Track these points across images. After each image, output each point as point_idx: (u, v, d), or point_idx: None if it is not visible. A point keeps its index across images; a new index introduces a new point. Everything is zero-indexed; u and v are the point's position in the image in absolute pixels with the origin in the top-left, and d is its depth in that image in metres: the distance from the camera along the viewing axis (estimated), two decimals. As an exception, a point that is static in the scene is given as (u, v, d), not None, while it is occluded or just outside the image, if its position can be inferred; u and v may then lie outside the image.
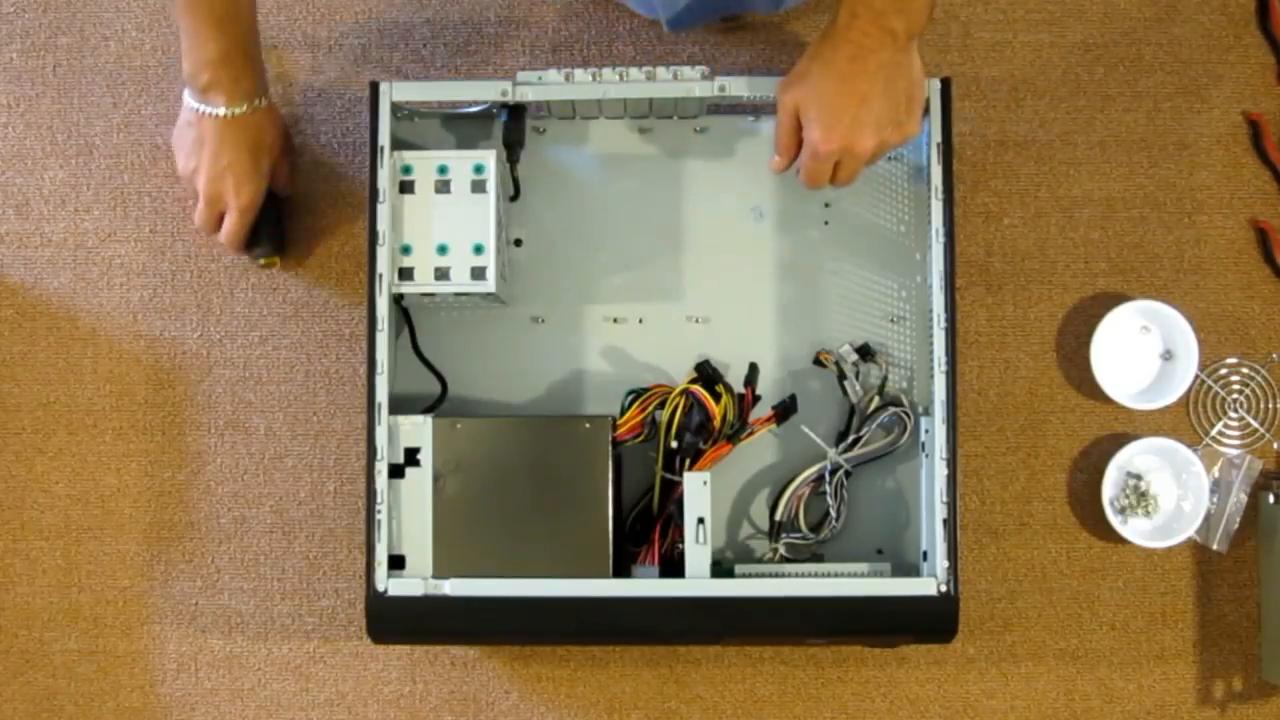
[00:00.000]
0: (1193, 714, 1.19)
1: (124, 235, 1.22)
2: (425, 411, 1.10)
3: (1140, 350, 1.20)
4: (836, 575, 1.09)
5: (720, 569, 1.11)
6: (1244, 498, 1.18)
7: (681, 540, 1.06)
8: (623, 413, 1.09)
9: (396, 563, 1.06)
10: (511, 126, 1.12)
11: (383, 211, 1.07)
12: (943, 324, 1.07)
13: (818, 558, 1.13)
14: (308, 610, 1.19)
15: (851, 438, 1.12)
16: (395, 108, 1.09)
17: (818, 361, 1.14)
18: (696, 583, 1.05)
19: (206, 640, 1.19)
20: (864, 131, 1.01)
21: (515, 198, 1.15)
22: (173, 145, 1.16)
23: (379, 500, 1.06)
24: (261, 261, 1.19)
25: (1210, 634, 1.19)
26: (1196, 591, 1.19)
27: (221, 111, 1.10)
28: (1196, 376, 1.19)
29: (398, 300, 1.09)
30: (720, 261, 1.15)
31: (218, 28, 1.07)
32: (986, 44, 1.22)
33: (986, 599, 1.19)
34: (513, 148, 1.12)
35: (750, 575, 1.08)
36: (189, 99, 1.12)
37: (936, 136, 1.08)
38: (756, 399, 1.12)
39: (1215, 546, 1.18)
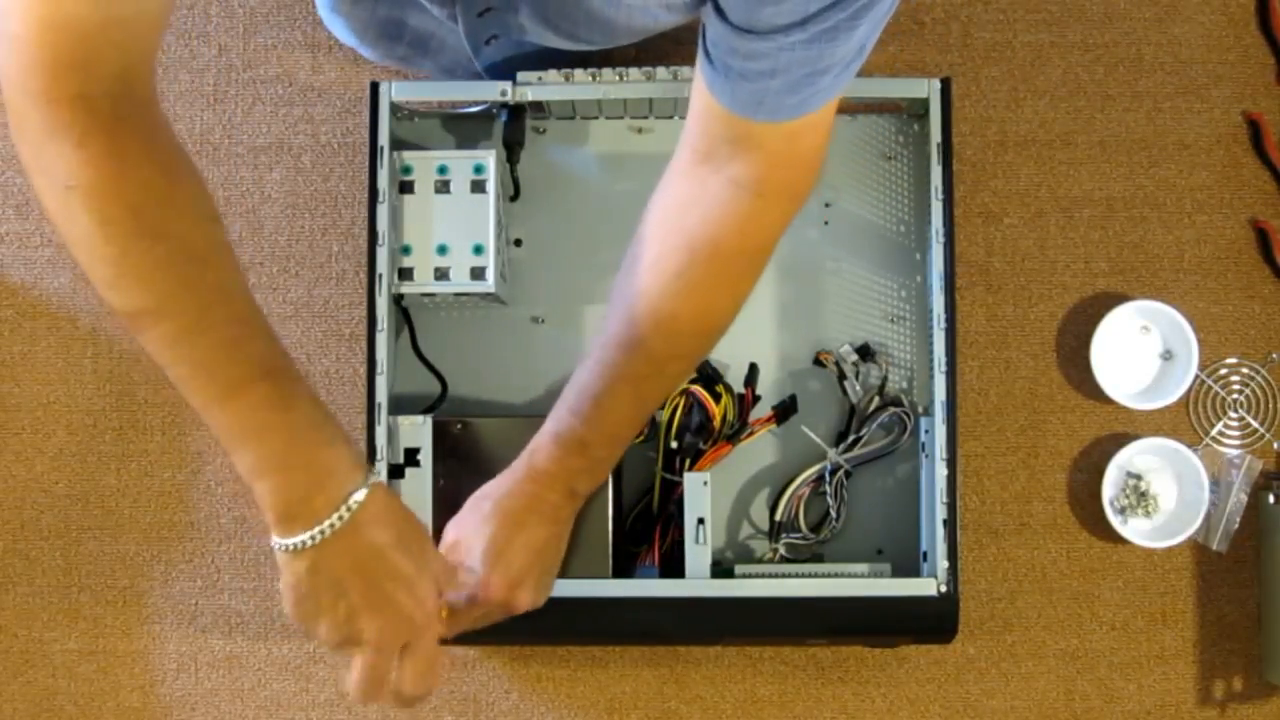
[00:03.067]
0: (1193, 714, 1.19)
1: (124, 235, 1.21)
2: (425, 411, 1.10)
3: (1140, 350, 1.20)
4: (836, 575, 1.09)
5: (720, 569, 1.11)
6: (1244, 498, 1.18)
7: (681, 540, 1.06)
8: (623, 413, 1.09)
9: (396, 563, 1.06)
10: (511, 126, 1.12)
11: (383, 211, 1.07)
12: (943, 324, 1.07)
13: (818, 558, 1.13)
14: (308, 610, 1.19)
15: (851, 438, 1.12)
16: (395, 108, 1.09)
17: (818, 361, 1.14)
18: (696, 583, 1.05)
19: (206, 640, 1.19)
20: (527, 587, 0.94)
21: (515, 198, 1.15)
22: (296, 618, 0.82)
23: (379, 500, 1.06)
24: None
25: (1210, 634, 1.19)
26: (1196, 591, 1.19)
27: (360, 495, 0.78)
28: (1196, 376, 1.19)
29: (398, 300, 1.09)
30: (720, 261, 1.15)
31: (276, 384, 0.76)
32: (986, 44, 1.22)
33: (986, 599, 1.19)
34: (513, 148, 1.12)
35: (750, 575, 1.08)
36: (286, 538, 0.78)
37: (936, 136, 1.08)
38: (756, 399, 1.12)
39: (1215, 546, 1.18)
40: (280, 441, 0.76)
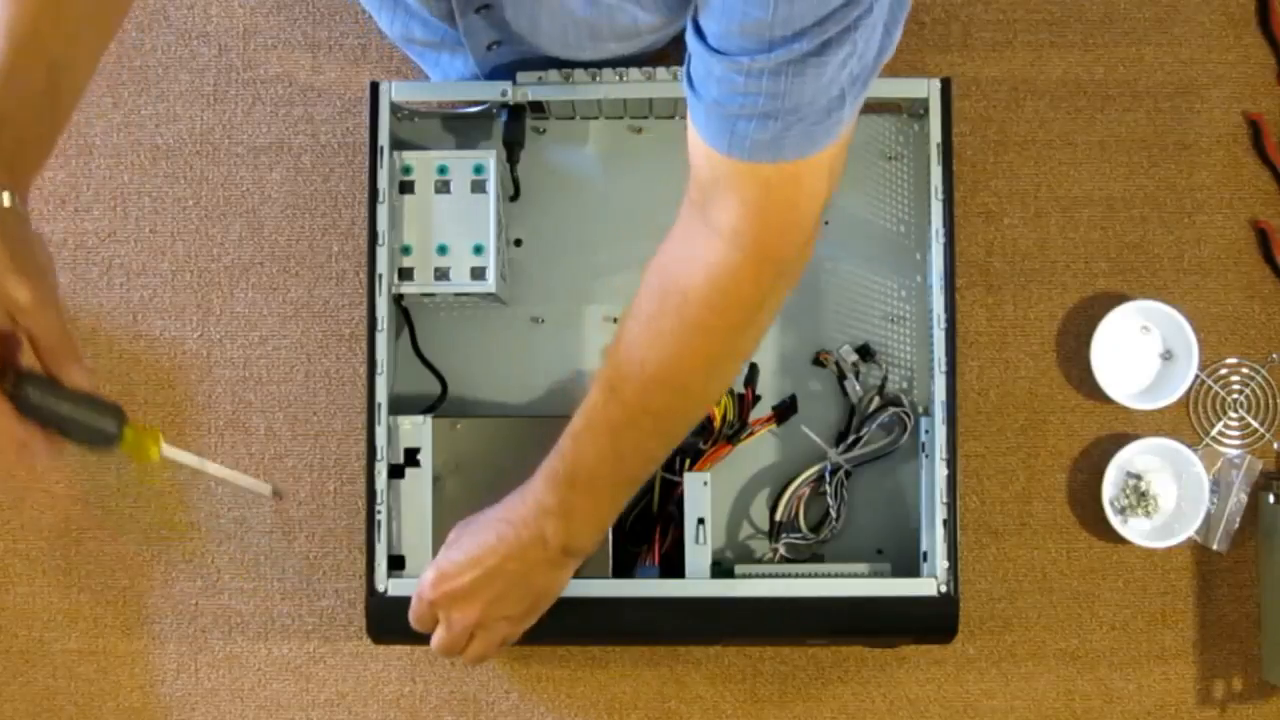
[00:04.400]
0: (1193, 714, 1.19)
1: (124, 235, 1.22)
2: (425, 411, 1.10)
3: (1140, 350, 1.20)
4: (836, 575, 1.09)
5: (720, 569, 1.11)
6: (1244, 498, 1.18)
7: (681, 540, 1.06)
8: (623, 413, 1.09)
9: (396, 563, 1.06)
10: (511, 126, 1.12)
11: (383, 211, 1.07)
12: (943, 324, 1.07)
13: (818, 558, 1.13)
14: (308, 610, 1.19)
15: (851, 438, 1.12)
16: (395, 108, 1.09)
17: (818, 361, 1.14)
18: (696, 583, 1.05)
19: (206, 640, 1.19)
20: (471, 601, 0.95)
21: (515, 198, 1.15)
22: None
23: (379, 500, 1.06)
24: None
25: (1210, 634, 1.19)
26: (1196, 591, 1.19)
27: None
28: (1196, 376, 1.19)
29: (398, 300, 1.09)
30: (720, 261, 1.15)
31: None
32: (986, 44, 1.22)
33: (986, 599, 1.19)
34: (513, 148, 1.12)
35: (750, 575, 1.08)
36: None
37: (936, 136, 1.08)
38: (756, 399, 1.12)
39: (1215, 546, 1.18)
40: None
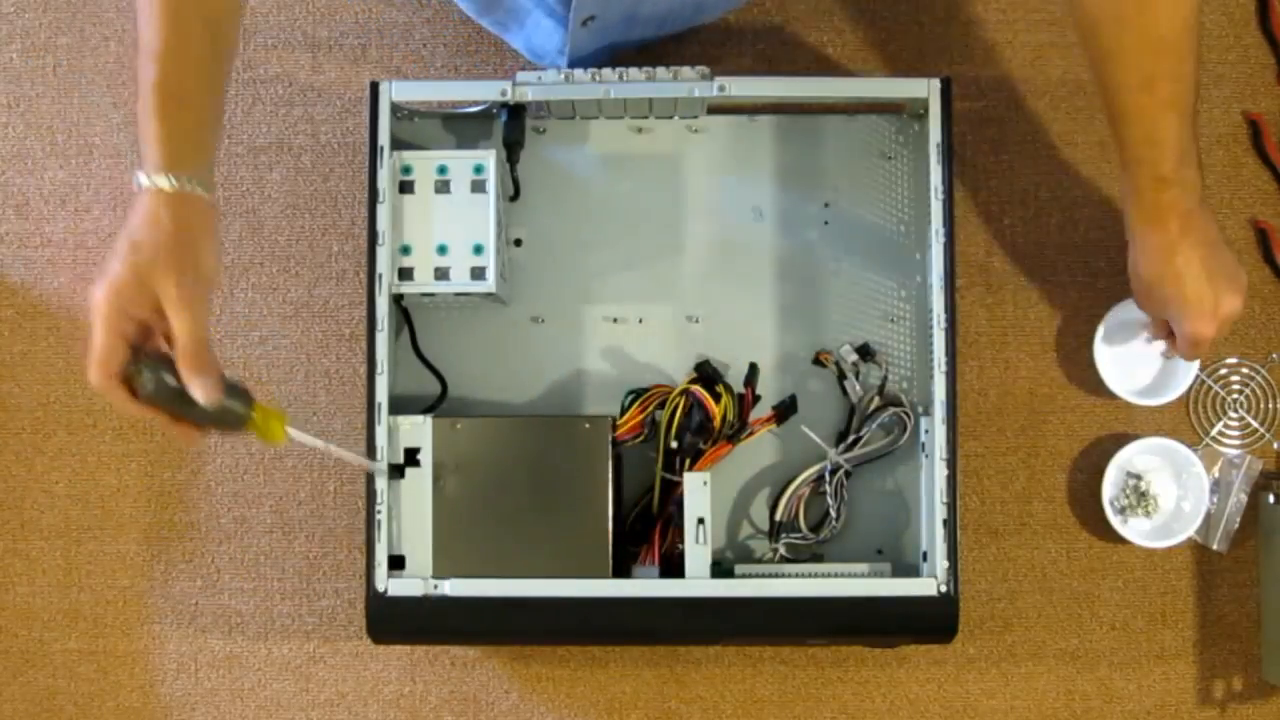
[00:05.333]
0: (1193, 714, 1.19)
1: (124, 235, 1.21)
2: (425, 411, 1.10)
3: (1140, 350, 1.20)
4: (836, 575, 1.09)
5: (720, 569, 1.11)
6: (1244, 498, 1.18)
7: (681, 540, 1.06)
8: (623, 413, 1.09)
9: (396, 563, 1.06)
10: (511, 126, 1.12)
11: (382, 211, 1.07)
12: (943, 324, 1.07)
13: (818, 558, 1.13)
14: (308, 610, 1.19)
15: (851, 438, 1.12)
16: (395, 108, 1.09)
17: (818, 361, 1.14)
18: (696, 583, 1.05)
19: (206, 640, 1.19)
20: (1233, 295, 1.02)
21: (515, 198, 1.15)
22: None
23: (379, 500, 1.06)
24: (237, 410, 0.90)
25: (1210, 634, 1.19)
26: (1196, 591, 1.19)
27: (140, 180, 0.87)
28: (1197, 376, 1.19)
29: (398, 300, 1.09)
30: (720, 261, 1.15)
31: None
32: (986, 44, 1.22)
33: (986, 599, 1.19)
34: (513, 148, 1.12)
35: (750, 575, 1.08)
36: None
37: (936, 136, 1.08)
38: (756, 399, 1.12)
39: (1215, 546, 1.18)
40: (142, 110, 0.87)
